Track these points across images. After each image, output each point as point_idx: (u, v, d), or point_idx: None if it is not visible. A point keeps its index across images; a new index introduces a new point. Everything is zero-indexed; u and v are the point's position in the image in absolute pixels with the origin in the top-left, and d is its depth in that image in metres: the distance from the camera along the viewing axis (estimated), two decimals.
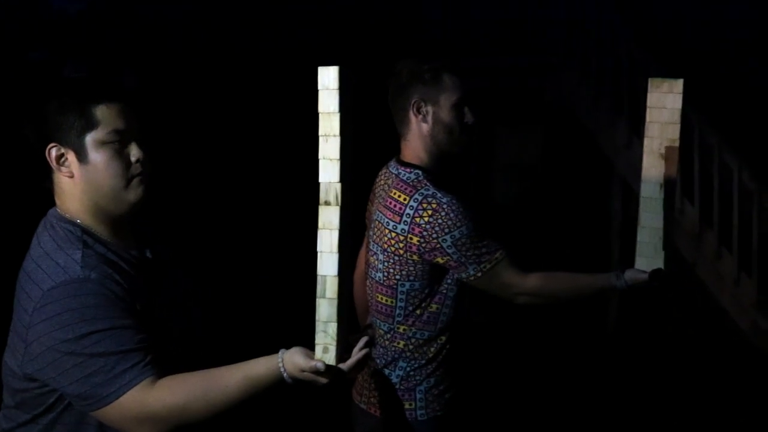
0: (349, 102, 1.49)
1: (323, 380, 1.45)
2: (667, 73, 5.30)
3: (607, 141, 5.91)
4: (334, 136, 1.46)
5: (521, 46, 6.49)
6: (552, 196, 6.82)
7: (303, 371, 1.44)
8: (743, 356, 4.92)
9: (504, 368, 5.00)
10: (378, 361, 2.18)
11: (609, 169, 6.05)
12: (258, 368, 1.47)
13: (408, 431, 2.16)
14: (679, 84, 2.02)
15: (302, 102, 2.14)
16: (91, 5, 6.39)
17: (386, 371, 2.17)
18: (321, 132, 1.47)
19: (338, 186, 1.47)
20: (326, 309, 1.47)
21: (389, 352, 2.17)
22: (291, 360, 1.45)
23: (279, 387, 1.47)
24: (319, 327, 1.47)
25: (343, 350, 1.49)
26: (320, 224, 1.48)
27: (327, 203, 1.47)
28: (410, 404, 2.16)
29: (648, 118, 2.05)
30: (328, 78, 1.46)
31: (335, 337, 1.46)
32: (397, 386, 2.16)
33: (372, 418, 2.22)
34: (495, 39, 6.55)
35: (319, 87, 1.47)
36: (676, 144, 2.03)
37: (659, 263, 2.05)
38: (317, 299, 1.48)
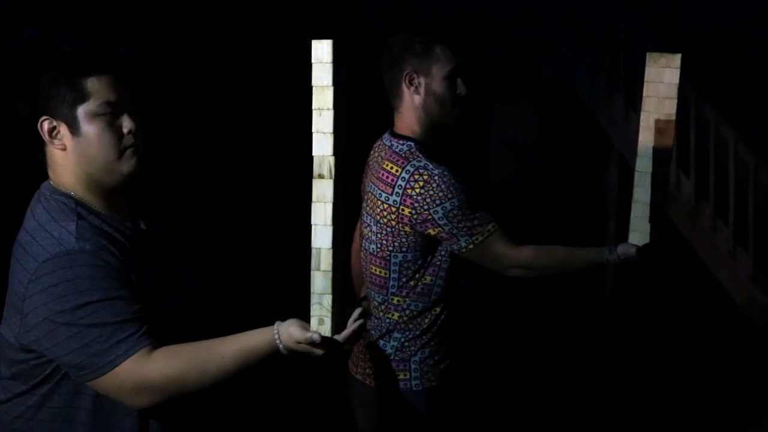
0: (343, 75, 1.50)
1: (319, 351, 1.47)
2: (664, 46, 5.29)
3: (604, 115, 5.90)
4: (328, 109, 1.47)
5: (518, 21, 6.46)
6: (549, 171, 6.82)
7: (299, 343, 1.46)
8: (739, 330, 4.95)
9: (499, 340, 5.03)
10: (373, 332, 2.20)
11: (606, 144, 6.05)
12: (254, 339, 1.48)
13: (403, 401, 2.18)
14: (676, 59, 2.03)
15: (297, 76, 2.14)
16: None
17: (381, 342, 2.19)
18: (314, 105, 1.48)
19: (332, 159, 1.47)
20: (321, 281, 1.49)
21: (384, 324, 2.18)
22: (287, 331, 1.47)
23: (274, 358, 1.49)
24: (314, 299, 1.49)
25: (338, 322, 1.51)
26: (314, 197, 1.49)
27: (321, 176, 1.48)
28: (405, 375, 2.18)
29: (645, 92, 2.06)
30: (321, 51, 1.47)
31: (330, 309, 1.48)
32: (392, 357, 2.18)
33: (368, 389, 2.24)
34: (492, 14, 6.51)
35: (313, 60, 1.47)
36: (673, 118, 2.04)
37: (649, 237, 2.08)
38: (312, 272, 1.49)
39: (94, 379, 1.47)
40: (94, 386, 1.49)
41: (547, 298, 5.57)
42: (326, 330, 1.47)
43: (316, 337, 1.45)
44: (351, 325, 1.52)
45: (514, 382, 4.50)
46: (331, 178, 1.48)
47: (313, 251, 1.49)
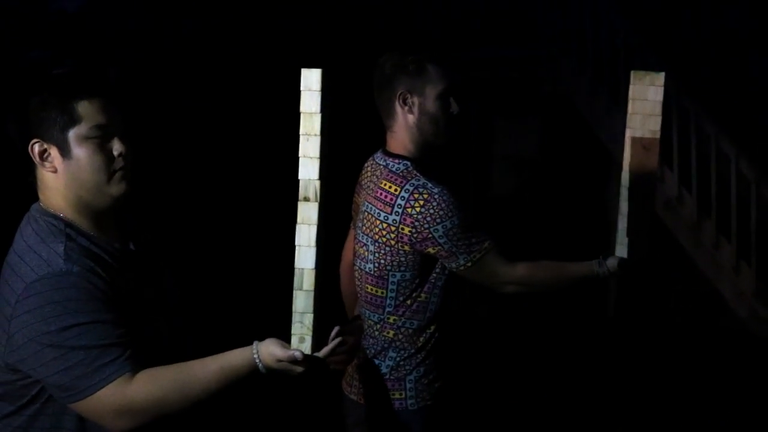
0: (329, 102, 1.57)
1: (298, 369, 1.52)
2: (664, 62, 5.25)
3: (604, 131, 5.90)
4: (315, 135, 1.54)
5: (518, 37, 6.48)
6: (550, 187, 6.81)
7: (279, 361, 1.50)
8: (742, 345, 4.92)
9: (497, 358, 5.01)
10: (367, 351, 2.20)
11: (607, 159, 6.05)
12: (233, 359, 1.52)
13: (398, 421, 2.18)
14: (660, 77, 2.10)
15: (282, 99, 2.17)
16: (90, 2, 6.40)
17: (376, 361, 2.19)
18: (302, 131, 1.55)
19: (317, 183, 1.55)
20: (303, 301, 1.55)
21: (379, 343, 2.19)
22: (267, 350, 1.51)
23: (253, 378, 1.53)
24: (295, 318, 1.55)
25: (318, 341, 1.56)
26: (299, 219, 1.56)
27: (306, 199, 1.55)
28: (400, 394, 2.18)
29: (630, 109, 2.12)
30: (310, 79, 1.54)
31: (311, 328, 1.54)
32: (387, 376, 2.18)
33: (362, 409, 2.24)
34: (491, 30, 6.54)
35: (302, 88, 1.55)
36: (657, 135, 2.09)
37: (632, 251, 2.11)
38: (294, 291, 1.55)
39: (76, 401, 1.49)
40: (76, 408, 1.50)
41: (548, 315, 5.55)
42: (307, 348, 1.53)
43: (297, 354, 1.49)
44: (331, 343, 1.57)
45: (513, 401, 4.48)
46: (316, 201, 1.55)
47: (296, 271, 1.56)
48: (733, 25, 6.21)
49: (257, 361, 1.50)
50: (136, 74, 5.70)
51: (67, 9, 6.35)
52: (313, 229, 1.55)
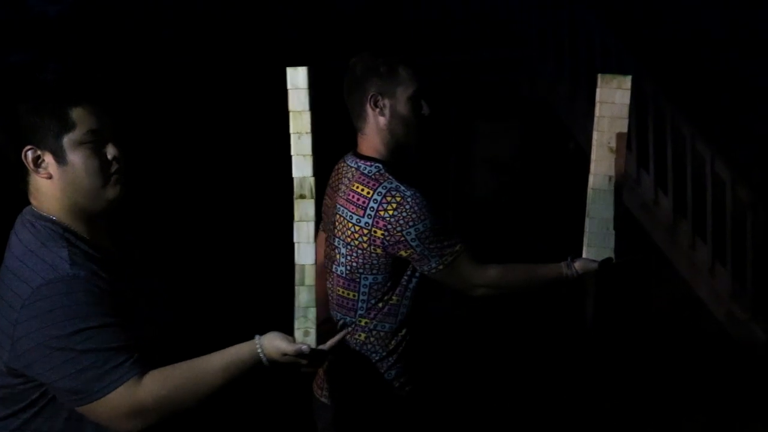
0: (314, 99, 1.60)
1: (304, 362, 1.55)
2: (641, 63, 5.27)
3: (582, 133, 5.94)
4: (306, 133, 1.57)
5: (497, 40, 6.51)
6: (530, 189, 6.84)
7: (285, 355, 1.53)
8: (719, 346, 4.95)
9: (475, 361, 5.01)
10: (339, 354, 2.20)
11: (585, 161, 6.07)
12: (238, 354, 1.54)
13: (369, 423, 2.18)
14: (627, 80, 2.12)
15: (270, 100, 2.17)
16: (72, 6, 6.37)
17: (347, 364, 2.18)
18: (292, 130, 1.58)
19: (312, 180, 1.58)
20: (305, 295, 1.59)
21: (350, 346, 2.18)
22: (271, 344, 1.53)
23: (257, 371, 1.55)
24: (298, 313, 1.58)
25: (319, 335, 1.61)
26: (297, 217, 1.59)
27: (302, 196, 1.58)
28: (372, 397, 2.18)
29: (597, 112, 2.13)
30: (296, 78, 1.56)
31: (315, 322, 1.58)
32: (359, 379, 2.18)
33: (334, 412, 2.23)
34: (470, 33, 6.56)
35: (289, 87, 1.57)
36: (625, 138, 2.11)
37: (608, 252, 2.11)
38: (296, 287, 1.59)
39: (86, 404, 1.49)
40: (85, 412, 1.51)
41: (528, 318, 5.57)
42: (312, 341, 1.57)
43: (305, 348, 1.53)
44: (338, 335, 1.61)
45: (488, 403, 4.49)
46: (312, 198, 1.58)
47: (297, 267, 1.59)
48: (709, 26, 6.26)
49: (261, 354, 1.52)
50: (124, 78, 5.68)
51: (48, 13, 6.32)
52: (311, 226, 1.58)
